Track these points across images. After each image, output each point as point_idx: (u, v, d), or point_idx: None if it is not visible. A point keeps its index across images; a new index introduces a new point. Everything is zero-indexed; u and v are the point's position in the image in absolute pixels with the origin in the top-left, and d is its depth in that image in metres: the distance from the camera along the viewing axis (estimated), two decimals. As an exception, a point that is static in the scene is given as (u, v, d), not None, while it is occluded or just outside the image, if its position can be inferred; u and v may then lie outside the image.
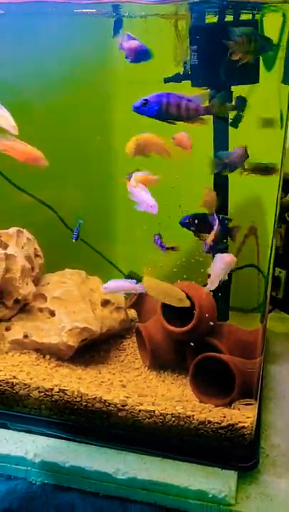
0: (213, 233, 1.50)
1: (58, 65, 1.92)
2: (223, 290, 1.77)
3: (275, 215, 1.42)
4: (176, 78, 1.58)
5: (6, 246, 1.73)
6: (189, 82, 1.57)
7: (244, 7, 1.48)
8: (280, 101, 1.40)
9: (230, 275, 1.80)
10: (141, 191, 1.45)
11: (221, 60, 1.54)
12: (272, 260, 1.46)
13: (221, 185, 1.69)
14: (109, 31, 1.79)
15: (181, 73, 1.57)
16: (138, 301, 1.86)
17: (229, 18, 1.51)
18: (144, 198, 1.43)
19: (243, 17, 1.50)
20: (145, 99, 1.28)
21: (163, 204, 1.97)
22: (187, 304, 1.52)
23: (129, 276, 2.06)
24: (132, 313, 1.91)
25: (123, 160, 2.00)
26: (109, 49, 1.83)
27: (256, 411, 1.47)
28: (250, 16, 1.50)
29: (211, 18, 1.52)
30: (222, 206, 1.69)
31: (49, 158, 1.99)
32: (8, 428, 1.56)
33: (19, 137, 1.58)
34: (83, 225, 2.09)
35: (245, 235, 1.69)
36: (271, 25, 1.49)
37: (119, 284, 1.61)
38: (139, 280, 2.02)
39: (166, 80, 1.59)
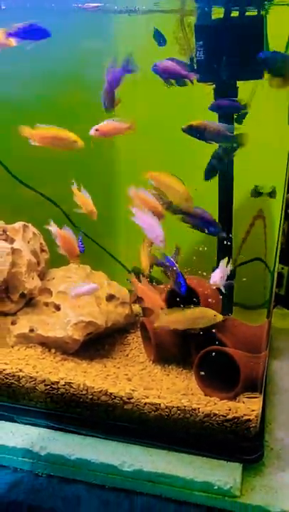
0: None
1: (60, 62, 1.93)
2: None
3: (282, 208, 1.43)
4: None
5: (12, 240, 1.74)
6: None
7: (249, 3, 1.49)
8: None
9: (234, 270, 1.82)
10: (147, 217, 1.44)
11: (226, 56, 1.55)
12: (278, 254, 1.47)
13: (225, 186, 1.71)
14: (110, 27, 1.81)
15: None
16: (142, 296, 1.87)
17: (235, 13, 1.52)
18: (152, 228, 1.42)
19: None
20: None
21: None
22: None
23: (134, 271, 2.08)
24: (137, 308, 1.92)
25: (125, 156, 2.03)
26: (111, 46, 1.85)
27: (261, 404, 1.48)
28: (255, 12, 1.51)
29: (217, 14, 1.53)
30: (227, 203, 1.71)
31: (53, 154, 2.01)
32: (15, 421, 1.57)
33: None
34: (87, 220, 2.10)
35: (250, 224, 1.70)
36: (276, 21, 1.51)
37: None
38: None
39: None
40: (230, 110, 1.51)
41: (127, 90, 1.85)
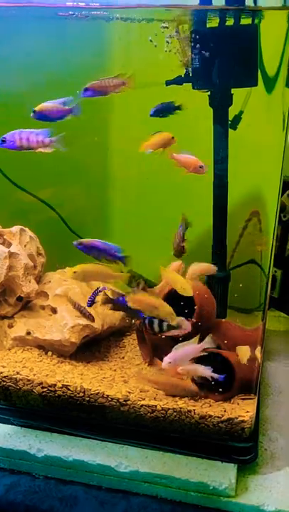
0: None
1: (58, 67, 1.95)
2: (221, 287, 1.82)
3: (276, 211, 1.46)
4: (178, 81, 1.62)
5: (9, 244, 1.75)
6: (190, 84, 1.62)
7: (244, 12, 1.52)
8: (283, 103, 1.43)
9: (228, 273, 1.84)
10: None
11: (221, 64, 1.58)
12: (272, 255, 1.50)
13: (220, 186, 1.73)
14: (106, 34, 1.83)
15: (183, 76, 1.60)
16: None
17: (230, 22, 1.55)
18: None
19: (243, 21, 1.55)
20: (3, 138, 1.54)
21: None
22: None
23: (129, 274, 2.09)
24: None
25: (119, 160, 2.05)
26: (108, 52, 1.87)
27: (255, 405, 1.50)
28: (249, 21, 1.54)
29: (212, 23, 1.56)
30: (222, 206, 1.74)
31: (48, 158, 2.02)
32: (12, 423, 1.58)
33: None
34: (83, 222, 2.12)
35: (243, 227, 1.73)
36: (270, 30, 1.54)
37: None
38: (137, 278, 2.05)
39: (168, 83, 1.62)
40: (167, 111, 1.59)
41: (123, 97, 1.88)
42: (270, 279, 1.57)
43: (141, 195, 2.08)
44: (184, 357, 1.45)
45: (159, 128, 1.94)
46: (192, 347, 1.45)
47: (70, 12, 1.60)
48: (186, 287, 1.47)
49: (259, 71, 1.58)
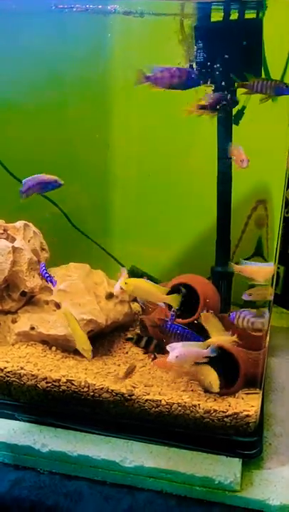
0: None
1: (60, 65, 1.94)
2: (225, 282, 1.82)
3: (282, 208, 1.46)
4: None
5: (13, 239, 1.75)
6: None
7: (249, 5, 1.51)
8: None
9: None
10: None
11: (225, 57, 1.58)
12: (278, 250, 1.50)
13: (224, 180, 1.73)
14: (109, 30, 1.83)
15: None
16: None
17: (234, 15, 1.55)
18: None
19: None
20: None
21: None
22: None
23: (132, 270, 2.09)
24: (136, 305, 1.94)
25: (120, 157, 2.05)
26: (109, 49, 1.87)
27: (260, 400, 1.50)
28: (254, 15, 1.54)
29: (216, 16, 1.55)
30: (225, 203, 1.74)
31: (50, 155, 2.02)
32: (16, 419, 1.58)
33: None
34: (85, 219, 2.12)
35: (245, 223, 1.73)
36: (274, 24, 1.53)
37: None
38: (140, 274, 2.05)
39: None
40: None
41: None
42: (274, 275, 1.56)
43: (142, 191, 2.09)
44: (188, 357, 1.45)
45: (160, 124, 1.94)
46: (197, 351, 1.44)
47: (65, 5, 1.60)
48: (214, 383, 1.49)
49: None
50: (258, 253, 1.75)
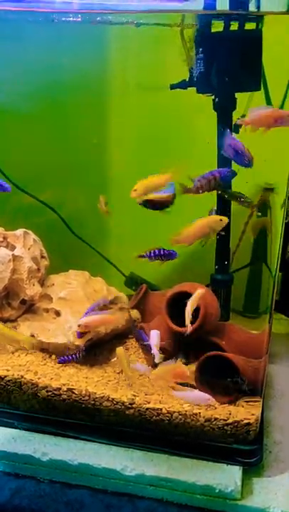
0: None
1: (59, 71, 1.95)
2: (224, 290, 1.83)
3: (284, 213, 1.47)
4: (182, 85, 1.63)
5: (13, 247, 1.75)
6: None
7: (249, 17, 1.53)
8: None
9: (232, 276, 1.85)
10: None
11: (225, 68, 1.59)
12: (279, 256, 1.50)
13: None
14: (107, 38, 1.83)
15: (187, 80, 1.61)
16: (141, 302, 1.90)
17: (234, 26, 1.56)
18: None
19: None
20: None
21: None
22: None
23: (131, 277, 2.10)
24: (135, 313, 1.94)
25: (118, 162, 2.05)
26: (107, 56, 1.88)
27: (261, 408, 1.51)
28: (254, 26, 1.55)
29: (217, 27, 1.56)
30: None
31: (49, 161, 2.02)
32: (16, 427, 1.58)
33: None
34: (84, 225, 2.12)
35: (242, 231, 1.74)
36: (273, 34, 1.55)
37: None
38: (139, 281, 2.06)
39: (173, 87, 1.63)
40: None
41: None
42: (276, 282, 1.57)
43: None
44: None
45: (159, 130, 1.95)
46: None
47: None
48: None
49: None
50: (256, 260, 1.76)
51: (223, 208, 1.74)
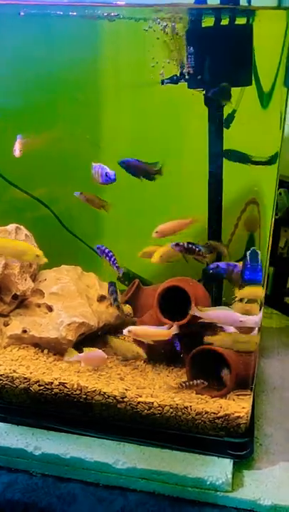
0: None
1: (52, 66, 1.94)
2: (216, 285, 1.84)
3: (273, 208, 1.47)
4: (173, 80, 1.62)
5: (4, 242, 1.75)
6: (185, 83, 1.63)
7: (239, 11, 1.53)
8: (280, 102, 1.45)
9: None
10: None
11: (216, 63, 1.59)
12: (269, 251, 1.51)
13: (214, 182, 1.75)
14: (99, 33, 1.83)
15: (178, 75, 1.61)
16: (133, 296, 1.90)
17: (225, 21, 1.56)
18: None
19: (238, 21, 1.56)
20: None
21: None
22: None
23: (124, 273, 2.10)
24: (127, 308, 1.94)
25: (111, 159, 2.05)
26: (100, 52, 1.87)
27: (251, 401, 1.52)
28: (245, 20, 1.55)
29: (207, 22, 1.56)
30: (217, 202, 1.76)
31: (42, 156, 2.02)
32: (8, 421, 1.58)
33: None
34: (77, 221, 2.11)
35: (235, 224, 1.75)
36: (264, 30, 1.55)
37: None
38: (132, 276, 2.06)
39: (164, 82, 1.63)
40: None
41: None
42: (266, 275, 1.58)
43: (134, 193, 2.09)
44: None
45: (152, 127, 1.95)
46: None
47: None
48: None
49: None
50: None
51: (214, 203, 1.75)
